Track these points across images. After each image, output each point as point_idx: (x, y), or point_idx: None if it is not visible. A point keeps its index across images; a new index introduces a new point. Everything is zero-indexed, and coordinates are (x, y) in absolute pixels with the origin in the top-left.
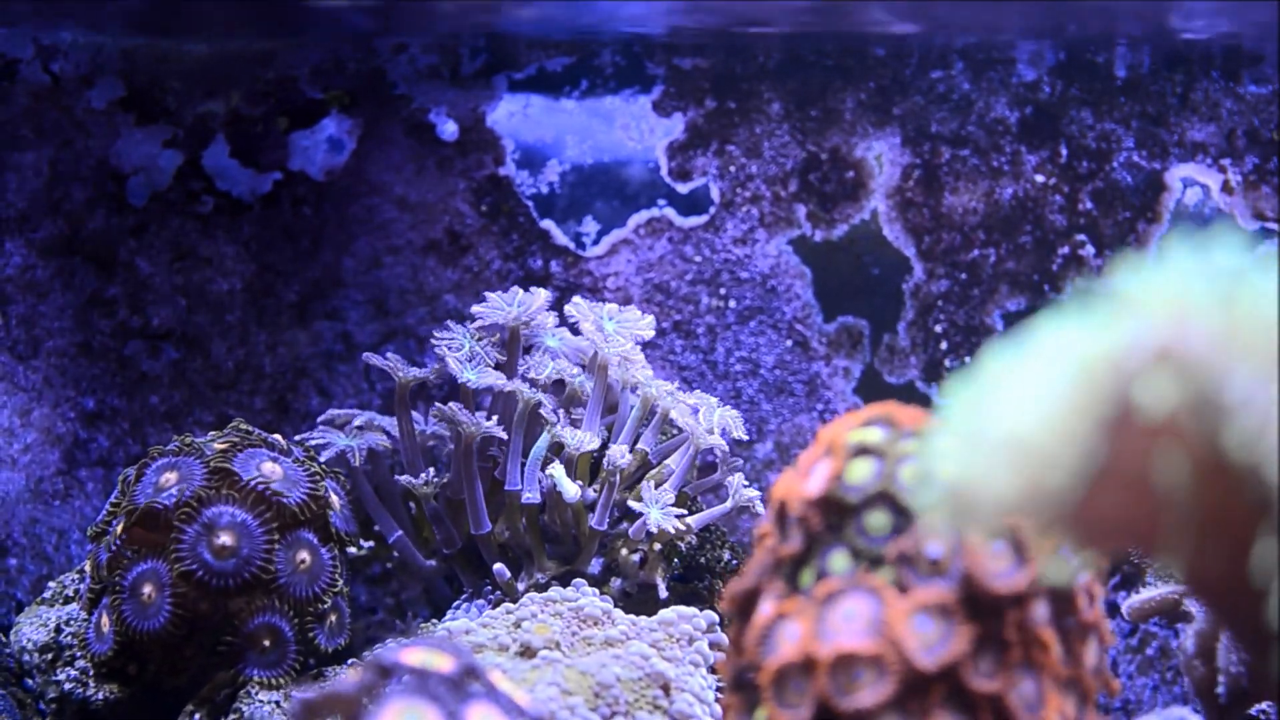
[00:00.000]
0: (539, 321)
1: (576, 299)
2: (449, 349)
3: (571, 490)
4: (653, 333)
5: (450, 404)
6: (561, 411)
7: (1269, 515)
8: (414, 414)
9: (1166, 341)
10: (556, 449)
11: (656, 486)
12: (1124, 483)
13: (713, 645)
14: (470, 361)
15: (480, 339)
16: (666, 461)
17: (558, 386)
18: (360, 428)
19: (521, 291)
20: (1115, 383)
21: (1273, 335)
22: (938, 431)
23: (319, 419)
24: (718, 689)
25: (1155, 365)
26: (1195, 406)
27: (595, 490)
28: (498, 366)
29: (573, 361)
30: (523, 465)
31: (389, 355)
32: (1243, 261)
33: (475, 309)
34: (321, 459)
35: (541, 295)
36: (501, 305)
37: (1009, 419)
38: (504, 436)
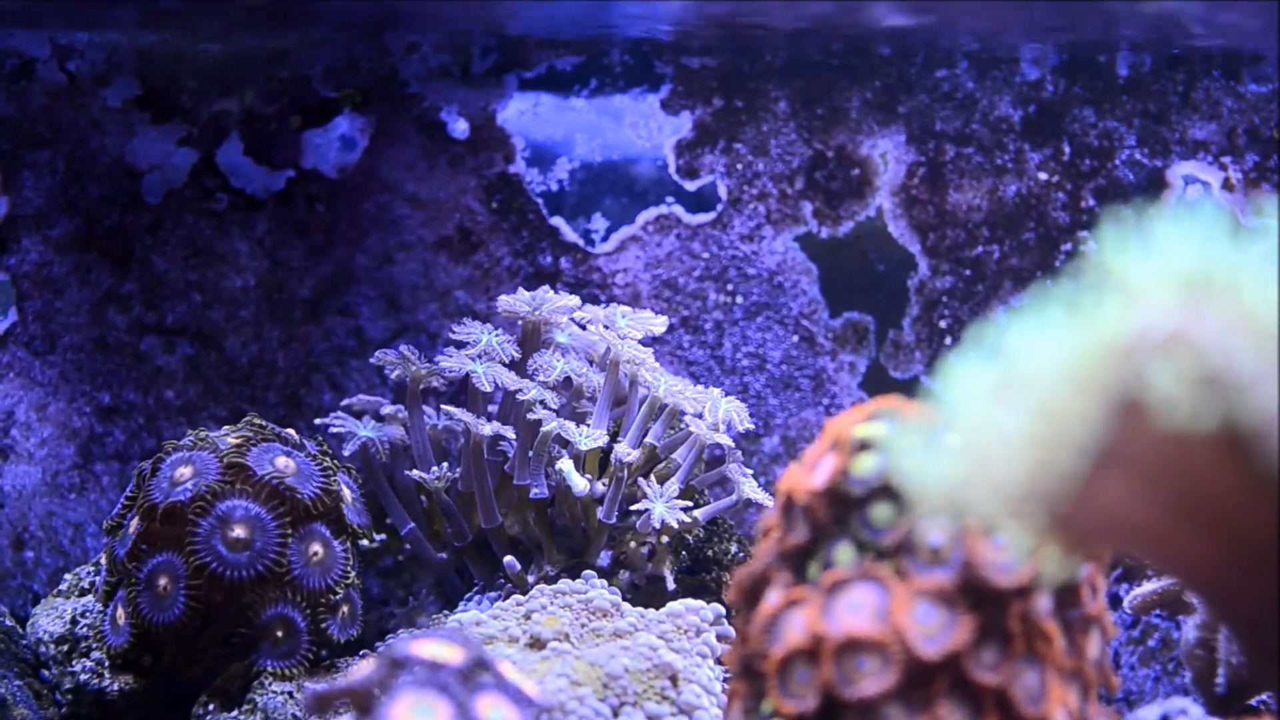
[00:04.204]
0: (555, 321)
1: (588, 306)
2: (461, 346)
3: (580, 484)
4: (664, 328)
5: (458, 408)
6: (562, 406)
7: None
8: (425, 407)
9: (1177, 327)
10: (567, 443)
11: (663, 481)
12: (1127, 471)
13: (720, 637)
14: (484, 358)
15: (499, 335)
16: (673, 456)
17: (567, 381)
18: (384, 417)
19: (551, 291)
20: (1123, 368)
21: None
22: (937, 419)
23: (342, 402)
24: (724, 680)
25: (1168, 350)
26: (1207, 391)
27: (604, 484)
28: (513, 364)
29: (581, 358)
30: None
31: (402, 348)
32: (1249, 244)
33: (502, 299)
34: (345, 451)
35: (567, 299)
36: (527, 300)
37: (1013, 406)
38: (511, 436)
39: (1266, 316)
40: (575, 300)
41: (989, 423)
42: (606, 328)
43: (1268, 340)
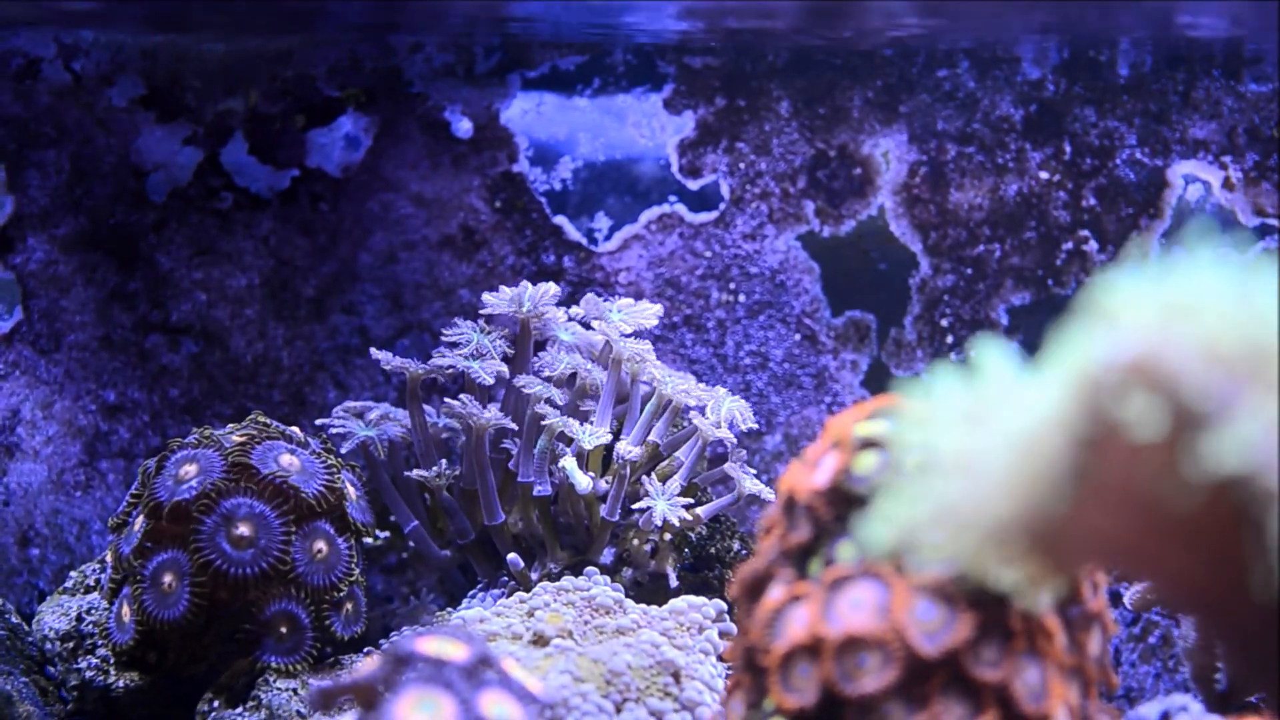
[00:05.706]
0: (550, 316)
1: (588, 295)
2: (454, 346)
3: (584, 482)
4: (656, 321)
5: (460, 396)
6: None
7: (1256, 523)
8: (427, 406)
9: (1143, 354)
10: (569, 440)
11: (665, 479)
12: (1108, 498)
13: (722, 634)
14: (477, 356)
15: (490, 333)
16: (676, 453)
17: (570, 379)
18: (377, 420)
19: (530, 285)
20: (1093, 398)
21: (1253, 343)
22: (918, 454)
23: (337, 408)
24: (726, 676)
25: (1134, 381)
26: (1175, 418)
27: (607, 482)
28: (506, 360)
29: (583, 355)
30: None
31: (396, 358)
32: (1219, 270)
33: (485, 297)
34: (343, 450)
35: (550, 288)
36: (510, 298)
37: (989, 439)
38: (514, 427)
39: (1240, 340)
40: (555, 289)
41: (965, 457)
42: (609, 325)
43: (1241, 363)
